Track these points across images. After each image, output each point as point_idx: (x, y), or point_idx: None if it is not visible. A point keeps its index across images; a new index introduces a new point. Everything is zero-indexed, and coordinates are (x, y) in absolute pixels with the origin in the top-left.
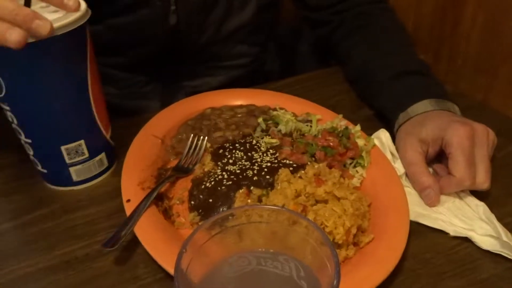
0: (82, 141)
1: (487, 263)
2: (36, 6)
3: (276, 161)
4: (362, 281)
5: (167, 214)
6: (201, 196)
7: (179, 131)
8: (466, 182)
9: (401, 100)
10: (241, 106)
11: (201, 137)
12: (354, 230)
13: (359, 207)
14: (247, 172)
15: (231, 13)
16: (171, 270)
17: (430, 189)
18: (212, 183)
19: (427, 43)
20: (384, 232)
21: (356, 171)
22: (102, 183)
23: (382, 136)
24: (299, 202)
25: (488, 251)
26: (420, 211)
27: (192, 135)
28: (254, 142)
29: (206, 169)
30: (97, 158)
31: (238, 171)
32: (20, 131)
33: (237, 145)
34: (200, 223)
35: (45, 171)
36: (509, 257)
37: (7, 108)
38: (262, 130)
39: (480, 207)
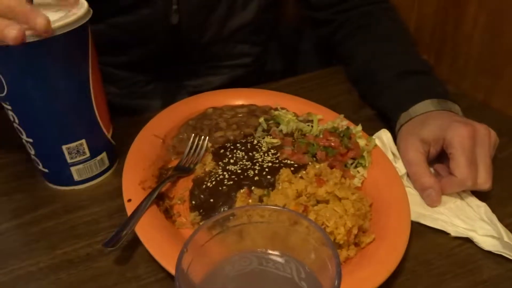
0: (83, 141)
1: (489, 264)
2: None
3: (277, 161)
4: (363, 282)
5: (168, 214)
6: (202, 196)
7: (180, 131)
8: (468, 183)
9: (403, 100)
10: (242, 106)
11: (202, 137)
12: (355, 231)
13: (360, 208)
14: (248, 172)
15: (233, 13)
16: (172, 270)
17: (431, 190)
18: (213, 183)
19: (429, 44)
20: (385, 232)
21: (357, 171)
22: (103, 182)
23: (384, 136)
24: (300, 202)
25: (489, 252)
26: (421, 212)
27: (193, 134)
28: (255, 142)
29: (207, 169)
30: (98, 157)
31: (239, 171)
32: (21, 130)
33: (238, 145)
34: (201, 223)
35: (46, 170)
36: (511, 258)
37: (9, 107)
38: (263, 130)
39: (482, 207)
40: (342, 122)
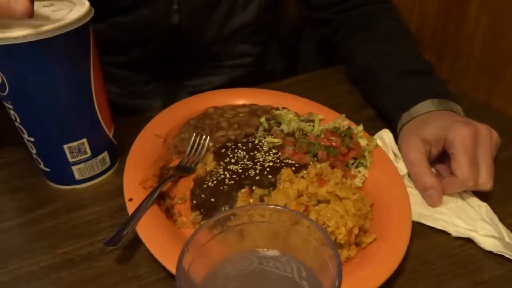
0: (84, 140)
1: (490, 264)
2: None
3: (278, 160)
4: (364, 282)
5: (169, 213)
6: (203, 196)
7: (181, 130)
8: (469, 183)
9: (404, 100)
10: (243, 106)
11: (203, 137)
12: (356, 231)
13: (361, 207)
14: (249, 172)
15: (234, 13)
16: (173, 270)
17: (432, 190)
18: (214, 182)
19: (431, 44)
20: (386, 232)
21: (359, 171)
22: (105, 181)
23: (385, 136)
24: (301, 202)
25: (490, 252)
26: (422, 212)
27: (194, 134)
28: (257, 141)
29: (208, 169)
30: (100, 157)
31: (240, 171)
32: (23, 129)
33: (239, 144)
34: (202, 223)
35: (47, 169)
36: None
37: (10, 106)
38: (265, 130)
39: (483, 208)
40: (344, 122)
